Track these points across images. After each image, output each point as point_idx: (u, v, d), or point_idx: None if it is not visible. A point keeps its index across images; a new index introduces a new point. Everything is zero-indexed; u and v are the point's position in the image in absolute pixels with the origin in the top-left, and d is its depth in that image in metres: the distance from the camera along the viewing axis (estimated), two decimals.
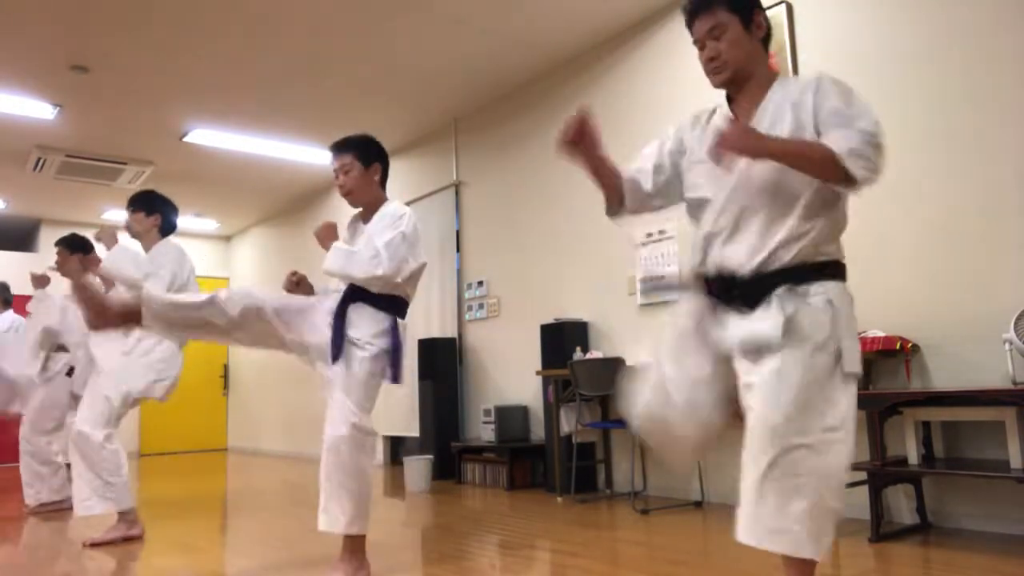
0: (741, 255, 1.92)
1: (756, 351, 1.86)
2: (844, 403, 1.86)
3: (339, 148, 2.91)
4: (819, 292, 1.86)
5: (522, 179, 5.63)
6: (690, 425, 2.02)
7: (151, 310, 2.66)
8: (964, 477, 3.07)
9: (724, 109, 2.05)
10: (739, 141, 1.80)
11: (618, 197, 2.13)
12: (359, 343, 2.70)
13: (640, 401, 2.07)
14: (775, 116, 1.91)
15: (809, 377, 1.80)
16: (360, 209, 2.96)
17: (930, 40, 3.37)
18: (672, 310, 2.08)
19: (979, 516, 3.10)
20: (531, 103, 5.59)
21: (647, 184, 2.12)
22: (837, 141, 1.76)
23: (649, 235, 4.61)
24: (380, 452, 6.87)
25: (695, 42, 2.04)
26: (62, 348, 4.79)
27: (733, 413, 2.08)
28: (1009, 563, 2.57)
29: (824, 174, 1.80)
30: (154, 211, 3.93)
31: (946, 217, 3.27)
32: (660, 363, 2.05)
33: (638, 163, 2.16)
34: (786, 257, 1.87)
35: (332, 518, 2.61)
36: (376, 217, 2.86)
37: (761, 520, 1.78)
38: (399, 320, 2.82)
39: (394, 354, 2.76)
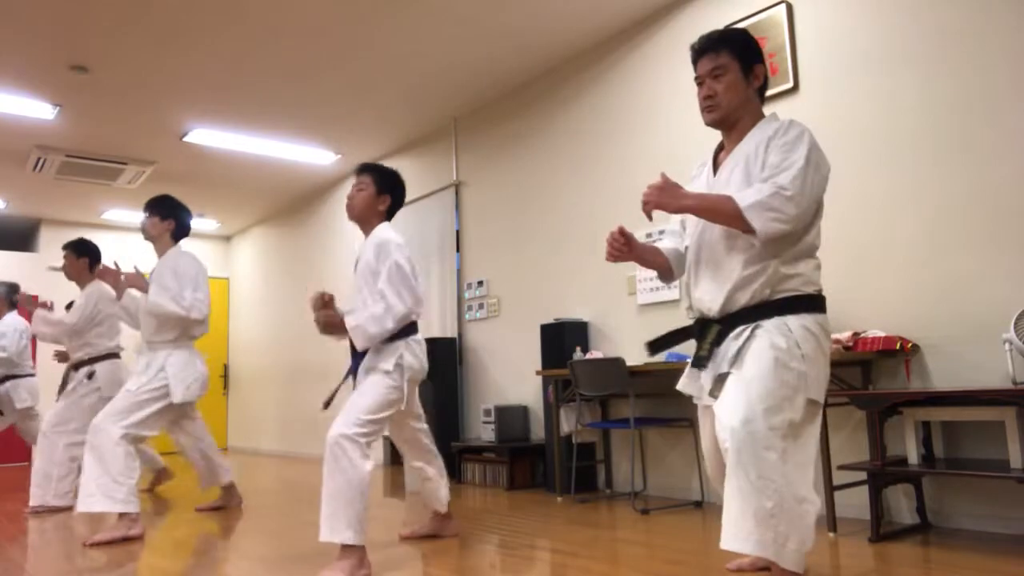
0: (707, 300, 2.17)
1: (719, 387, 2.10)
2: (806, 425, 2.00)
3: (364, 168, 3.16)
4: (778, 324, 2.03)
5: (522, 179, 5.63)
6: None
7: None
8: (964, 477, 3.07)
9: (709, 159, 2.30)
10: (656, 196, 2.06)
11: (668, 270, 2.39)
12: (377, 369, 2.90)
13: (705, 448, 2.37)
14: (734, 167, 2.15)
15: (769, 386, 1.94)
16: (363, 239, 3.15)
17: (929, 40, 3.37)
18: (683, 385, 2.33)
19: (979, 516, 3.10)
20: (531, 103, 5.59)
21: (683, 246, 2.37)
22: (749, 195, 1.98)
23: (649, 235, 4.60)
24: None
25: (696, 79, 2.23)
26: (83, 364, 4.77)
27: None
28: (1009, 563, 2.57)
29: (734, 225, 2.03)
30: (168, 216, 4.05)
31: (946, 217, 3.27)
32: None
33: (671, 228, 2.46)
34: (744, 298, 2.08)
35: (330, 529, 2.67)
36: (366, 247, 3.03)
37: (729, 522, 1.91)
38: (408, 340, 2.98)
39: (353, 363, 2.96)
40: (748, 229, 1.99)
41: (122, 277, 3.94)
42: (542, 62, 5.32)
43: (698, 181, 2.31)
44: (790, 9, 3.92)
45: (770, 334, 2.01)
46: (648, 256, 2.34)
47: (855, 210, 3.53)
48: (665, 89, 4.57)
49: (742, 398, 1.94)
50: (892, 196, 3.45)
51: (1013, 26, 3.11)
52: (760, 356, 1.99)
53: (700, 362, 2.15)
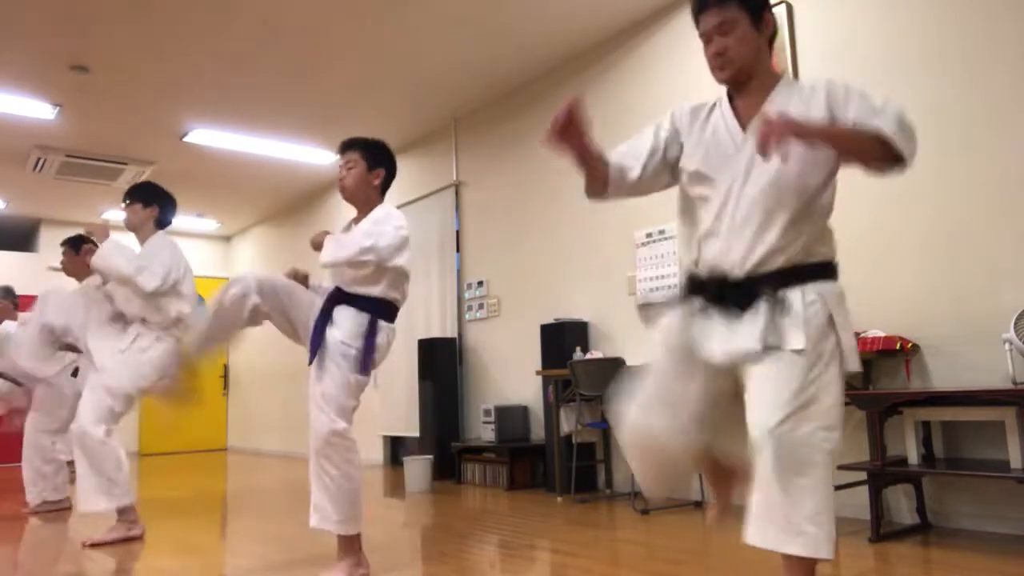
0: (735, 257, 1.92)
1: (744, 361, 1.87)
2: (839, 400, 1.87)
3: (348, 144, 2.93)
4: (811, 292, 1.87)
5: (522, 179, 5.63)
6: (673, 445, 1.99)
7: (199, 336, 2.79)
8: (964, 477, 3.07)
9: (725, 105, 2.02)
10: (788, 126, 1.72)
11: (602, 181, 2.06)
12: (341, 345, 2.71)
13: (629, 413, 2.04)
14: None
15: (805, 376, 1.81)
16: (355, 216, 2.98)
17: (929, 40, 3.37)
18: (660, 325, 2.08)
19: (979, 516, 3.10)
20: (531, 103, 5.59)
21: (635, 170, 2.07)
22: (879, 125, 1.75)
23: (649, 235, 4.60)
24: (380, 452, 6.87)
25: (701, 35, 2.01)
26: (70, 347, 4.74)
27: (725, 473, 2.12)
28: (1009, 563, 2.57)
29: (878, 156, 1.78)
30: (151, 203, 3.86)
31: (946, 217, 3.27)
32: (650, 378, 2.03)
33: (628, 146, 2.11)
34: (779, 261, 1.88)
35: (322, 516, 2.64)
36: (367, 219, 2.87)
37: (774, 522, 1.76)
38: (382, 322, 2.82)
39: (365, 350, 2.74)
40: (891, 157, 1.77)
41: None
42: (542, 62, 5.32)
43: (704, 128, 2.04)
44: (790, 9, 3.92)
45: (815, 308, 1.85)
46: (588, 155, 1.99)
47: (855, 210, 3.52)
48: (665, 89, 4.57)
49: (779, 398, 1.78)
50: (892, 196, 3.45)
51: (1013, 26, 3.11)
52: (807, 335, 1.82)
53: (767, 315, 1.86)
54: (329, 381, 2.68)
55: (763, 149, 1.75)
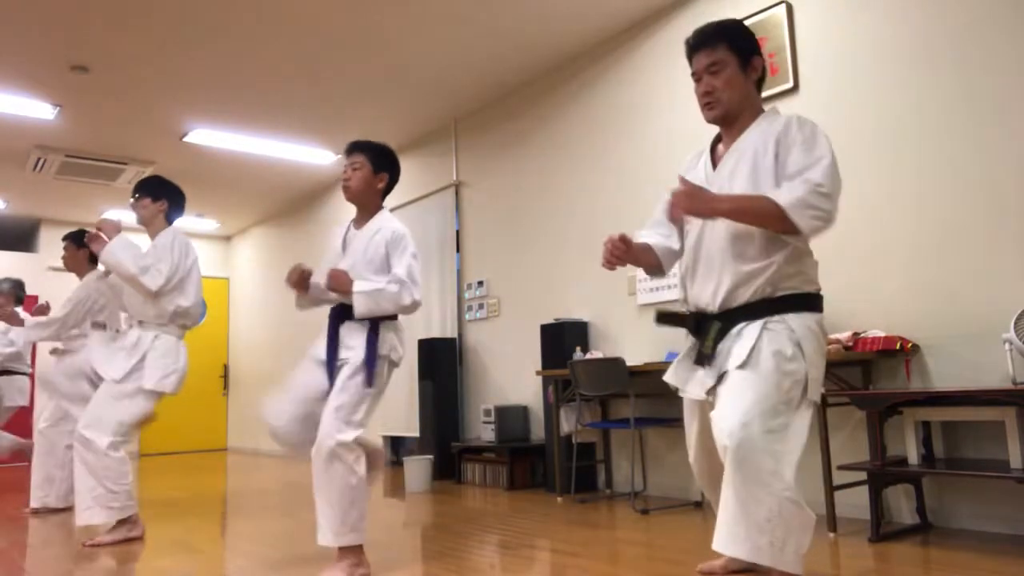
0: (707, 294, 2.13)
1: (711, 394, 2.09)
2: (800, 425, 1.99)
3: (356, 146, 2.97)
4: (779, 323, 2.01)
5: (522, 179, 5.63)
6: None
7: None
8: (964, 477, 3.07)
9: (707, 151, 2.25)
10: (688, 203, 2.00)
11: (657, 263, 2.34)
12: (348, 358, 2.76)
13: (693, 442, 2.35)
14: (738, 161, 2.10)
15: (768, 390, 1.93)
16: (353, 217, 3.02)
17: (929, 40, 3.37)
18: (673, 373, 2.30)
19: (979, 516, 3.10)
20: (531, 103, 5.59)
21: (675, 241, 2.34)
22: (783, 194, 1.93)
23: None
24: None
25: (693, 74, 2.19)
26: (98, 325, 4.66)
27: None
28: (1009, 563, 2.57)
29: (772, 226, 1.97)
30: (160, 197, 3.83)
31: (946, 217, 3.27)
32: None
33: (656, 220, 2.38)
34: (746, 295, 2.05)
35: (326, 532, 2.64)
36: (370, 228, 2.91)
37: (724, 525, 1.89)
38: (383, 324, 2.84)
39: (369, 359, 2.76)
40: (789, 229, 1.93)
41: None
42: (542, 62, 5.32)
43: (693, 173, 2.26)
44: (790, 9, 3.92)
45: (772, 334, 1.99)
46: (641, 256, 2.30)
47: (855, 210, 3.52)
48: (665, 89, 4.57)
49: (740, 401, 1.91)
50: (892, 196, 3.45)
51: (1014, 25, 3.11)
52: (760, 357, 1.97)
53: (703, 360, 2.11)
54: (344, 395, 2.70)
55: (670, 218, 2.18)
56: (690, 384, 2.19)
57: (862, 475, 3.12)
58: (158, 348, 3.64)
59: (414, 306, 2.81)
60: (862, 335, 3.29)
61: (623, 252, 2.16)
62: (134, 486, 3.61)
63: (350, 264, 2.87)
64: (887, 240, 3.46)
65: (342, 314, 2.83)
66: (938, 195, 3.30)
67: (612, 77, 4.95)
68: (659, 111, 4.59)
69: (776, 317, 2.01)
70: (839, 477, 3.20)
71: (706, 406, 2.16)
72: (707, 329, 2.11)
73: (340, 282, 2.78)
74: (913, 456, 3.05)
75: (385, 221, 2.92)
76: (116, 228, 3.65)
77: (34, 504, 4.51)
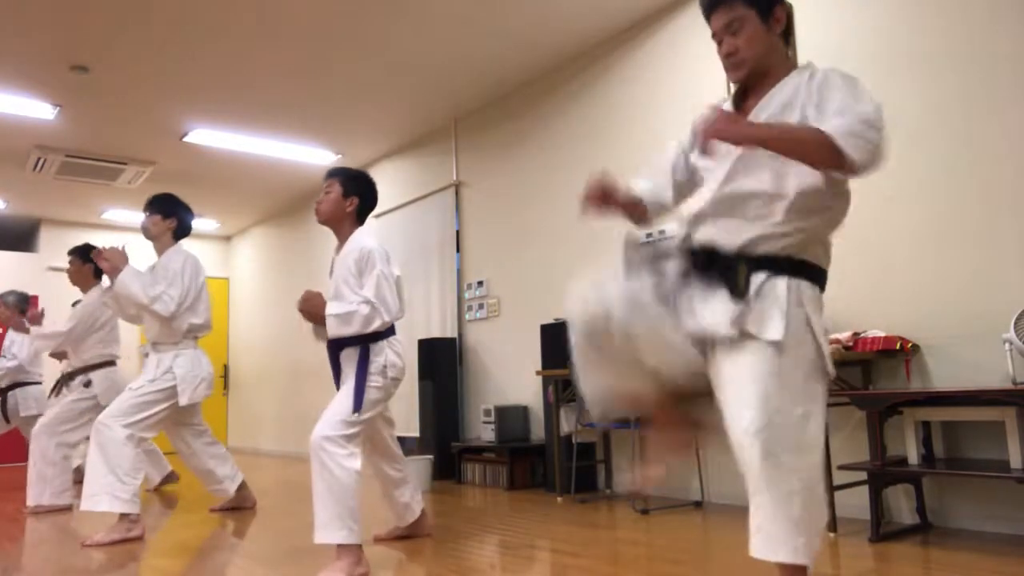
0: (726, 237, 1.87)
1: (716, 341, 1.82)
2: (820, 410, 1.80)
3: (331, 172, 3.13)
4: (795, 289, 1.80)
5: (522, 179, 5.63)
6: (647, 354, 1.88)
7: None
8: (964, 477, 3.07)
9: (729, 102, 2.02)
10: (722, 127, 1.74)
11: (644, 216, 2.13)
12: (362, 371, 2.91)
13: (591, 298, 1.95)
14: (775, 110, 1.87)
15: (784, 378, 1.74)
16: (336, 244, 3.12)
17: (929, 40, 3.37)
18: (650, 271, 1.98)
19: (979, 516, 3.10)
20: (531, 103, 5.59)
21: (668, 194, 2.12)
22: (832, 124, 1.70)
23: (649, 235, 4.60)
24: None
25: (713, 36, 1.99)
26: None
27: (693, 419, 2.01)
28: (1009, 563, 2.57)
29: (819, 158, 1.72)
30: (171, 214, 4.02)
31: (946, 217, 3.27)
32: (631, 289, 1.94)
33: (653, 170, 2.14)
34: (771, 247, 1.82)
35: (322, 530, 2.70)
36: (344, 250, 3.00)
37: (763, 532, 1.74)
38: (373, 346, 2.92)
39: (358, 383, 2.86)
40: (837, 161, 1.69)
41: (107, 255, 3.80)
42: (542, 62, 5.31)
43: None
44: (790, 9, 3.92)
45: (796, 308, 1.78)
46: (629, 208, 2.08)
47: (855, 210, 3.50)
48: (665, 89, 4.57)
49: (761, 394, 1.73)
50: (892, 196, 3.45)
51: (1014, 25, 3.11)
52: (789, 337, 1.76)
53: (740, 293, 1.80)
54: (346, 392, 2.85)
55: (700, 148, 1.83)
56: (699, 314, 1.85)
57: (862, 475, 3.12)
58: (181, 364, 3.85)
59: (385, 327, 2.88)
60: (862, 335, 3.29)
61: (603, 197, 1.97)
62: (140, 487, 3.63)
63: (334, 288, 2.98)
64: (887, 240, 3.45)
65: (340, 342, 2.93)
66: (938, 195, 3.30)
67: (612, 77, 4.95)
68: (659, 111, 4.59)
69: (796, 280, 1.82)
70: (839, 477, 3.20)
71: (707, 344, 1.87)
72: (734, 267, 1.83)
73: (312, 305, 2.86)
74: (913, 456, 3.05)
75: (356, 241, 3.01)
76: (124, 258, 3.77)
77: (30, 503, 4.54)
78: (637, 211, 2.10)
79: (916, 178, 3.39)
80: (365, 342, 2.89)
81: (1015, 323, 2.85)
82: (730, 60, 1.95)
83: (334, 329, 2.81)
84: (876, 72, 3.53)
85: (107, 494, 3.46)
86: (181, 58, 5.05)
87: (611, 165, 4.87)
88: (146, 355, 3.96)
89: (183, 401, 3.78)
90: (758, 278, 1.81)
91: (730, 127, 1.74)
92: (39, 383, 5.64)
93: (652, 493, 4.30)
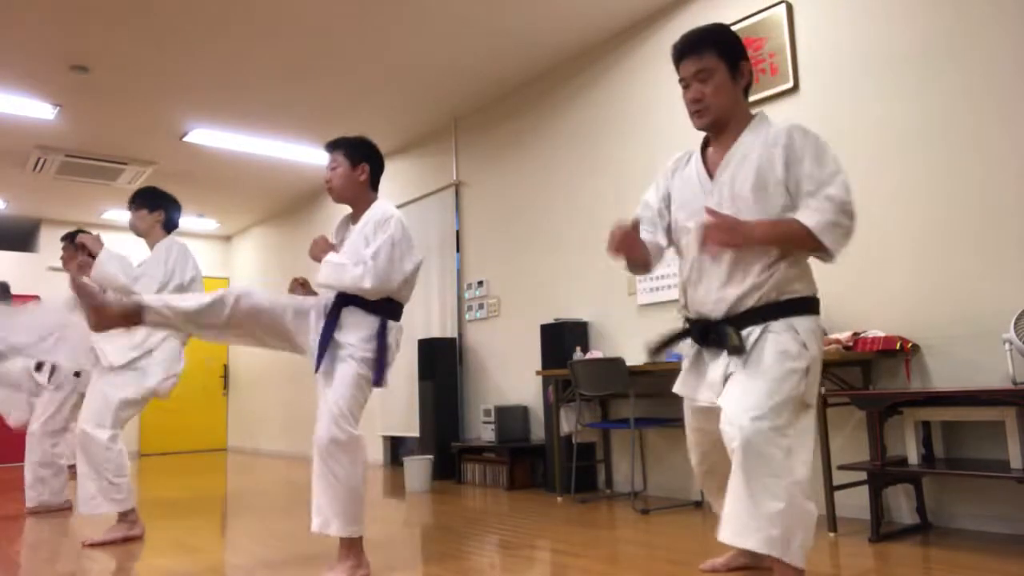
0: (710, 302, 2.13)
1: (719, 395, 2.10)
2: (807, 423, 2.03)
3: (329, 146, 2.95)
4: (784, 325, 2.04)
5: (522, 179, 5.63)
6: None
7: (150, 312, 2.69)
8: (964, 477, 3.07)
9: (697, 155, 2.24)
10: (724, 237, 1.99)
11: (647, 260, 2.32)
12: (348, 348, 2.70)
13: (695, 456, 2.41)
14: (737, 167, 2.09)
15: (776, 385, 1.95)
16: (350, 211, 2.97)
17: (929, 40, 3.37)
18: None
19: (979, 516, 3.10)
20: (531, 103, 5.59)
21: (663, 240, 2.34)
22: (811, 216, 1.96)
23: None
24: (380, 452, 6.87)
25: (680, 81, 2.17)
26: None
27: None
28: (1009, 563, 2.57)
29: (802, 247, 2.01)
30: (157, 207, 3.89)
31: (946, 217, 3.27)
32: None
33: (645, 216, 2.35)
34: (750, 301, 2.06)
35: (323, 520, 2.63)
36: (363, 220, 2.85)
37: (732, 518, 1.89)
38: (391, 322, 2.80)
39: (379, 358, 2.74)
40: (819, 248, 2.00)
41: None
42: (542, 62, 5.32)
43: (682, 179, 2.25)
44: (790, 9, 3.92)
45: (779, 336, 2.02)
46: (635, 250, 2.24)
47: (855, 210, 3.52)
48: (665, 89, 4.57)
49: (748, 397, 1.94)
50: (892, 196, 3.45)
51: (1015, 25, 3.11)
52: (765, 356, 1.99)
53: (737, 351, 2.05)
54: (338, 385, 2.68)
55: (708, 253, 2.11)
56: (700, 391, 2.20)
57: (862, 475, 3.12)
58: (165, 350, 3.71)
59: (375, 293, 2.70)
60: (862, 335, 3.29)
61: (633, 240, 2.15)
62: (133, 483, 3.62)
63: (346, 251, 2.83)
64: (887, 240, 3.45)
65: (345, 299, 2.76)
66: (938, 195, 3.30)
67: (612, 77, 4.95)
68: (659, 110, 4.59)
69: (781, 320, 2.04)
70: (839, 477, 3.20)
71: (715, 413, 2.14)
72: (723, 333, 2.10)
73: (318, 248, 2.78)
74: (913, 456, 3.05)
75: (378, 207, 2.86)
76: (98, 243, 3.63)
77: (30, 504, 4.55)
78: (643, 256, 2.30)
79: (916, 178, 3.39)
80: (384, 316, 2.75)
81: (1015, 323, 2.85)
82: (695, 106, 2.15)
83: (325, 276, 2.70)
84: (876, 72, 3.53)
85: (104, 497, 3.46)
86: (181, 58, 5.05)
87: (611, 165, 4.88)
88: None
89: (149, 383, 3.59)
90: (747, 331, 2.07)
91: (734, 238, 1.99)
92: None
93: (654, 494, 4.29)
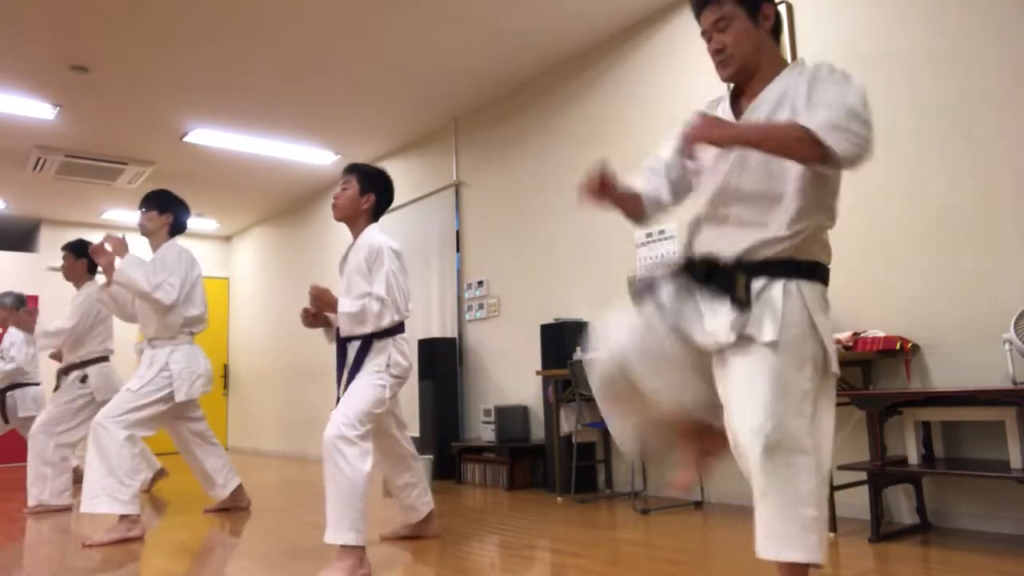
0: (725, 243, 1.90)
1: (719, 348, 1.84)
2: (826, 404, 1.84)
3: (349, 168, 3.18)
4: (794, 289, 1.82)
5: (522, 179, 5.63)
6: (662, 395, 1.93)
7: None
8: (964, 477, 3.07)
9: (726, 100, 2.04)
10: (704, 131, 1.77)
11: (641, 212, 2.13)
12: (366, 368, 2.93)
13: (612, 346, 1.96)
14: (770, 110, 1.89)
15: (786, 377, 1.76)
16: (351, 241, 3.15)
17: (929, 40, 3.37)
18: (653, 300, 1.97)
19: (979, 516, 3.10)
20: (531, 102, 5.59)
21: (664, 192, 2.12)
22: (814, 117, 1.72)
23: (649, 235, 4.60)
24: None
25: (702, 33, 2.01)
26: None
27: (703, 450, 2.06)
28: (1009, 563, 2.57)
29: (803, 153, 1.73)
30: (166, 210, 4.00)
31: (946, 217, 3.27)
32: (635, 335, 1.95)
33: (651, 166, 2.15)
34: (769, 252, 1.85)
35: (333, 529, 2.70)
36: (355, 248, 3.06)
37: (769, 530, 1.73)
38: (380, 344, 2.97)
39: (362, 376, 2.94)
40: (821, 155, 1.70)
41: (108, 247, 3.75)
42: (542, 62, 5.32)
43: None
44: (790, 9, 3.92)
45: (795, 308, 1.80)
46: (625, 200, 2.11)
47: (855, 209, 3.52)
48: (665, 89, 4.57)
49: (764, 396, 1.74)
50: (892, 196, 3.45)
51: (1015, 25, 3.11)
52: (787, 336, 1.77)
53: (741, 304, 1.82)
54: (354, 392, 2.85)
55: (685, 153, 1.86)
56: (703, 324, 1.87)
57: (862, 475, 3.12)
58: (176, 360, 3.82)
59: (395, 324, 2.95)
60: (862, 335, 3.29)
61: (601, 188, 1.99)
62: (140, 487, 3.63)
63: (346, 281, 3.03)
64: (887, 240, 3.46)
65: (370, 340, 2.96)
66: (938, 195, 3.30)
67: (613, 77, 4.95)
68: (659, 110, 4.59)
69: (795, 281, 1.84)
70: (839, 477, 3.20)
71: (709, 357, 1.90)
72: (733, 277, 1.86)
73: (324, 301, 2.91)
74: (913, 456, 3.05)
75: (367, 237, 3.04)
76: (124, 246, 3.74)
77: (31, 503, 4.54)
78: (635, 207, 2.11)
79: (916, 178, 3.39)
80: (369, 338, 2.93)
81: (1015, 323, 2.85)
82: (718, 57, 1.98)
83: (347, 327, 2.88)
84: (877, 73, 3.53)
85: (107, 496, 3.46)
86: (181, 58, 5.05)
87: (611, 164, 4.87)
88: (140, 352, 3.94)
89: (179, 397, 3.76)
90: (758, 283, 1.83)
91: (712, 130, 1.77)
92: (38, 384, 5.64)
93: (686, 495, 4.29)
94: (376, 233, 3.06)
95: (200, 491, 4.72)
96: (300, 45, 4.94)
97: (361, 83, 5.56)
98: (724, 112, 2.01)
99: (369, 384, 2.87)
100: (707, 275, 1.91)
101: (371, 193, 3.11)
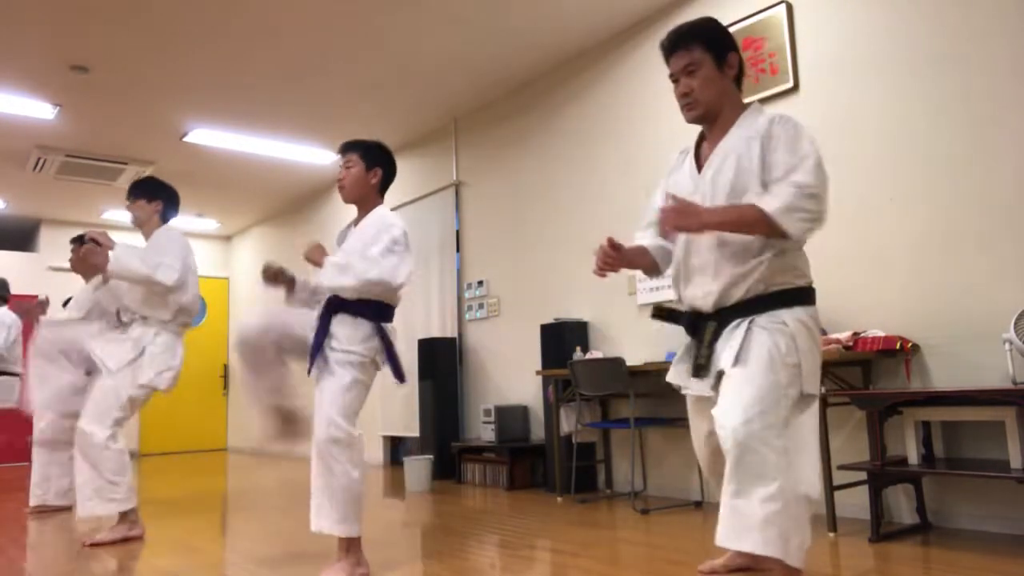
0: (699, 296, 2.15)
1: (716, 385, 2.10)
2: (804, 419, 2.02)
3: (347, 146, 2.98)
4: (772, 318, 2.03)
5: (522, 179, 5.63)
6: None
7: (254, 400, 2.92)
8: (964, 477, 3.07)
9: (691, 152, 2.26)
10: (677, 219, 2.02)
11: (654, 265, 2.35)
12: (342, 351, 2.72)
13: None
14: (722, 163, 2.11)
15: (766, 385, 1.94)
16: (354, 217, 3.00)
17: (929, 41, 3.37)
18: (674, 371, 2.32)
19: (979, 516, 3.10)
20: (531, 102, 5.59)
21: (668, 242, 2.34)
22: (770, 200, 1.95)
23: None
24: (380, 452, 6.87)
25: (670, 76, 2.20)
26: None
27: None
28: (1009, 563, 2.57)
29: (763, 231, 1.99)
30: (155, 197, 3.87)
31: (946, 217, 3.27)
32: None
33: (650, 219, 2.39)
34: (739, 294, 2.07)
35: (322, 520, 2.65)
36: (363, 223, 2.90)
37: (728, 519, 1.88)
38: (385, 325, 2.84)
39: (389, 357, 2.80)
40: (780, 234, 1.96)
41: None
42: (542, 62, 5.32)
43: (679, 173, 2.28)
44: (790, 9, 3.92)
45: (766, 331, 2.00)
46: (636, 258, 2.32)
47: (855, 210, 3.53)
48: (665, 89, 4.56)
49: (739, 398, 1.93)
50: (892, 196, 3.45)
51: (1016, 25, 3.11)
52: (756, 354, 1.98)
53: (699, 371, 2.13)
54: (328, 386, 2.70)
55: (662, 234, 2.21)
56: (693, 381, 2.21)
57: (862, 475, 3.12)
58: (158, 344, 3.66)
59: (378, 289, 2.71)
60: (862, 335, 3.29)
61: (615, 259, 2.19)
62: (134, 482, 3.62)
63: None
64: (887, 240, 3.46)
65: (336, 306, 2.78)
66: (938, 195, 3.30)
67: (613, 77, 4.95)
68: (660, 110, 4.59)
69: (768, 313, 2.03)
70: (839, 477, 3.20)
71: (706, 404, 2.17)
72: (702, 331, 2.13)
73: (315, 254, 2.77)
74: (913, 456, 3.05)
75: (379, 213, 2.91)
76: (106, 236, 3.62)
77: (33, 502, 4.52)
78: (647, 262, 2.34)
79: (917, 179, 3.39)
80: (375, 319, 2.77)
81: (1015, 323, 2.85)
82: (684, 100, 2.17)
83: (329, 277, 2.68)
84: (877, 73, 3.53)
85: (100, 498, 3.44)
86: (181, 58, 5.05)
87: (611, 165, 4.88)
88: (122, 323, 3.77)
89: (142, 380, 3.57)
90: (731, 326, 2.08)
91: (681, 220, 2.02)
92: (17, 374, 5.53)
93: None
94: (386, 210, 2.92)
95: (201, 491, 4.72)
96: (300, 45, 4.94)
97: (361, 83, 5.56)
98: (688, 163, 2.25)
99: (349, 375, 2.69)
100: (693, 328, 2.20)
101: (377, 167, 2.92)
